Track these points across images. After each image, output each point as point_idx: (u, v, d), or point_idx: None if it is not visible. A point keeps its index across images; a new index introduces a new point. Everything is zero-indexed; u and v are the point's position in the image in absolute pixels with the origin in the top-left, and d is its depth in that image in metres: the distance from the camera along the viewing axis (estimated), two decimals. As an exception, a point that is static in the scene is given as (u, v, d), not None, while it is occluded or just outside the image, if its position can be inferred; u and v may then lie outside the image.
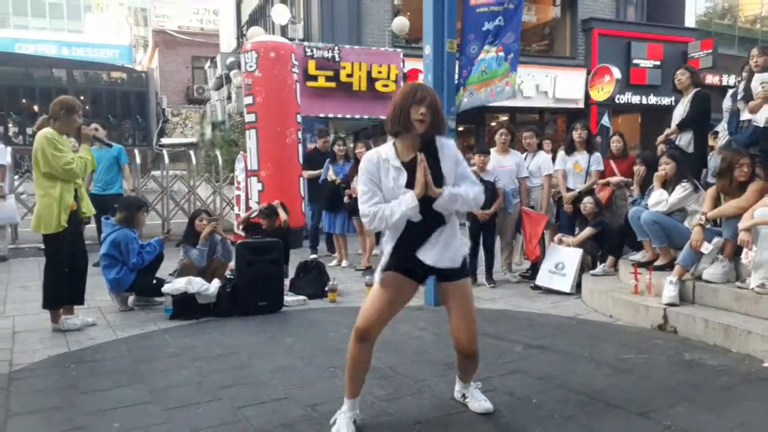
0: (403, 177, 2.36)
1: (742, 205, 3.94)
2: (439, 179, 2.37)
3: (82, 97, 27.42)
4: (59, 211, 3.89)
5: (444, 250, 2.42)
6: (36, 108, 27.14)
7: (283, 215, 5.61)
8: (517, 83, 4.76)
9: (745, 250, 3.73)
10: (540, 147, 6.02)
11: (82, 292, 4.21)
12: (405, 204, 2.30)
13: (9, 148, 7.88)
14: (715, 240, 3.99)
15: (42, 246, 7.61)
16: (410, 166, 2.36)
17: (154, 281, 4.68)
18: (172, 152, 9.91)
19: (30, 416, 2.66)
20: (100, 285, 4.77)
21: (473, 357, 2.58)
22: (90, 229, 6.95)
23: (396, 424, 2.56)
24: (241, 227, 6.44)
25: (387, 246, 2.48)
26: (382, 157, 2.40)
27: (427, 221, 2.38)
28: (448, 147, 2.46)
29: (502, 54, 4.62)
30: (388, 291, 2.43)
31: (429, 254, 2.41)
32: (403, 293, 2.48)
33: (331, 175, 6.56)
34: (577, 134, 5.74)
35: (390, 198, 2.37)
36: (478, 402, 2.65)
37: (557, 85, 14.00)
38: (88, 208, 4.23)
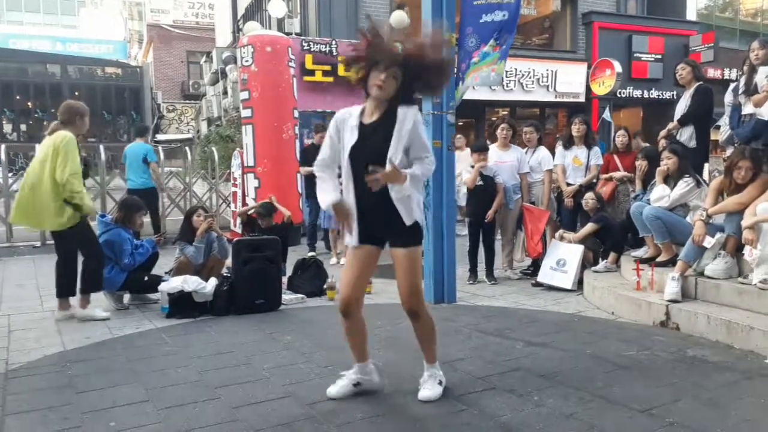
0: (354, 137, 2.52)
1: (743, 201, 3.91)
2: (385, 149, 2.49)
3: (76, 93, 27.34)
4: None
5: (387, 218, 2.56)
6: (30, 104, 27.01)
7: (285, 211, 5.57)
8: (502, 68, 4.67)
9: (748, 247, 3.69)
10: (540, 142, 5.97)
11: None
12: (326, 202, 2.59)
13: (2, 146, 7.84)
14: (718, 235, 3.97)
15: (36, 244, 7.68)
16: (368, 128, 2.52)
17: (146, 278, 4.65)
18: (168, 148, 9.86)
19: (26, 415, 2.63)
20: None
21: (419, 318, 2.67)
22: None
23: (395, 422, 2.53)
24: (239, 221, 6.39)
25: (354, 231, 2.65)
26: (350, 112, 2.60)
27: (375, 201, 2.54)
28: (407, 120, 2.51)
29: (497, 53, 4.60)
30: (352, 265, 2.67)
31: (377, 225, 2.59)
32: (367, 262, 2.68)
33: None
34: (576, 128, 5.71)
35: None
36: (423, 390, 2.71)
37: (558, 79, 13.96)
38: None
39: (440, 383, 2.76)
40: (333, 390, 2.75)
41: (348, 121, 2.58)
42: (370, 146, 2.51)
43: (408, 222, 2.57)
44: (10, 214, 4.22)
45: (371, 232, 2.62)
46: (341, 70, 9.99)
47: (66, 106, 4.19)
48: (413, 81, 2.50)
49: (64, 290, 4.27)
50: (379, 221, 2.59)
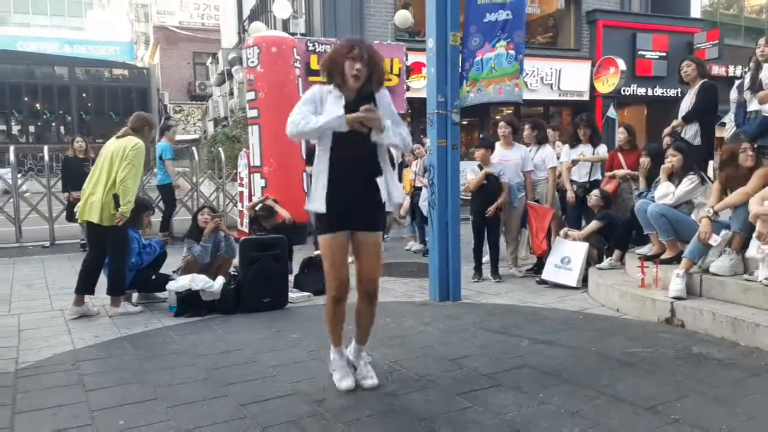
0: (341, 102, 2.63)
1: (747, 191, 3.89)
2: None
3: (84, 94, 27.54)
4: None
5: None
6: (38, 106, 27.23)
7: (285, 214, 5.60)
8: (524, 85, 4.75)
9: (756, 243, 3.66)
10: (541, 140, 5.96)
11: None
12: (333, 113, 2.56)
13: (12, 147, 7.94)
14: (723, 232, 3.95)
15: (45, 244, 7.74)
16: (349, 108, 2.61)
17: (153, 277, 4.70)
18: (175, 149, 9.91)
19: (36, 414, 2.66)
20: (102, 282, 4.77)
21: (374, 301, 2.79)
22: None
23: (402, 420, 2.54)
24: (247, 218, 6.41)
25: (316, 203, 2.67)
26: (327, 89, 2.70)
27: (360, 171, 2.66)
28: (383, 97, 2.72)
29: (512, 52, 4.59)
30: (335, 251, 2.71)
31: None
32: (345, 249, 2.75)
33: None
34: (582, 133, 5.72)
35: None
36: (369, 378, 2.83)
37: (562, 77, 13.93)
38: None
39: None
40: (347, 383, 2.81)
41: (331, 92, 2.67)
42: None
43: (387, 199, 2.68)
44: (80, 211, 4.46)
45: (341, 217, 2.67)
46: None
47: (138, 116, 4.56)
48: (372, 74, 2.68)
49: (84, 287, 4.37)
50: (352, 202, 2.65)
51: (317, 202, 2.67)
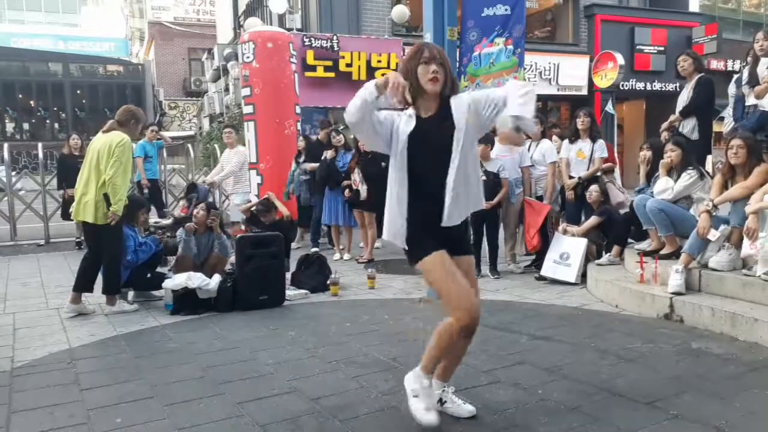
0: (411, 125, 2.33)
1: (748, 185, 3.89)
2: (450, 133, 2.30)
3: (78, 91, 27.43)
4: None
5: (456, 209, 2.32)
6: (32, 103, 27.11)
7: (284, 210, 5.58)
8: (523, 78, 4.72)
9: (746, 239, 3.65)
10: (543, 135, 5.94)
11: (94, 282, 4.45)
12: (404, 135, 2.27)
13: (6, 145, 7.89)
14: (722, 227, 3.95)
15: (40, 242, 7.71)
16: (427, 121, 2.33)
17: (149, 275, 4.68)
18: (170, 145, 9.91)
19: (32, 412, 2.65)
20: (99, 281, 4.74)
21: (472, 336, 2.37)
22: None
23: (401, 417, 2.53)
24: (245, 215, 6.42)
25: (401, 228, 2.35)
26: (404, 113, 2.39)
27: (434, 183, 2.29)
28: (459, 99, 2.37)
29: (510, 47, 4.58)
30: (451, 271, 2.32)
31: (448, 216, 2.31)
32: (450, 263, 2.35)
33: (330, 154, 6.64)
34: (581, 121, 5.69)
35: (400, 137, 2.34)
36: (460, 406, 2.51)
37: (560, 72, 13.92)
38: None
39: None
40: (432, 416, 2.38)
41: (403, 113, 2.37)
42: (433, 138, 2.32)
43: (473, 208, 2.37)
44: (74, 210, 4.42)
45: (433, 235, 2.32)
46: (343, 66, 9.97)
47: (125, 109, 4.48)
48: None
49: (83, 285, 4.35)
50: (437, 222, 2.30)
51: (398, 233, 2.36)
